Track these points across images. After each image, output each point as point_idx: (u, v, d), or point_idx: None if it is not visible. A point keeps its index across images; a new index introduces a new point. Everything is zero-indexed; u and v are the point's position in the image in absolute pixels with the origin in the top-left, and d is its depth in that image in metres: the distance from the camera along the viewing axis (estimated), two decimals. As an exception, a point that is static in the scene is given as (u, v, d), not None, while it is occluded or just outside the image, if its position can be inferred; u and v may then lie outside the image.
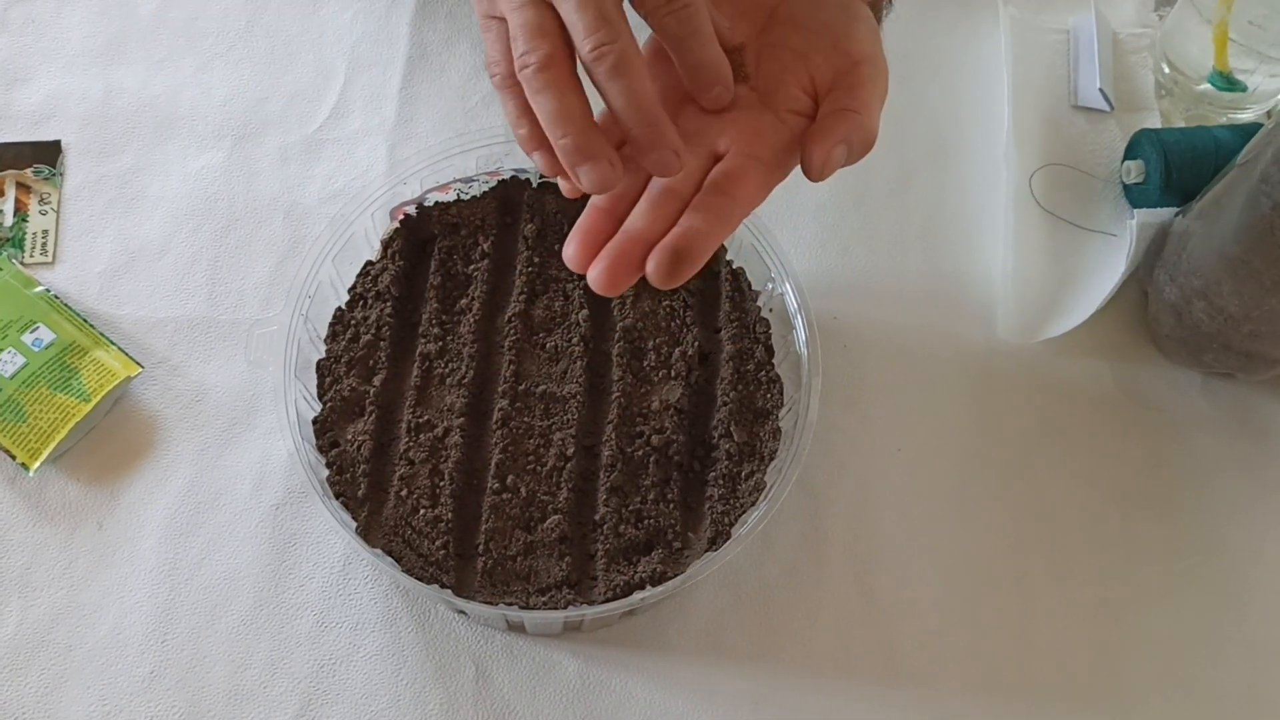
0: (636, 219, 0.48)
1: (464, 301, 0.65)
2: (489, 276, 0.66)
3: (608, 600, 0.57)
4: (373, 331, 0.64)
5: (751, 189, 0.49)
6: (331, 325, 0.65)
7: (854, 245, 0.73)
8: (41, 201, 0.73)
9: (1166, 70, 0.76)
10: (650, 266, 0.46)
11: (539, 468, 0.60)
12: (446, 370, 0.63)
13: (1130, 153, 0.73)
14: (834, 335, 0.70)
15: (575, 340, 0.64)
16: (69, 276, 0.70)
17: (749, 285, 0.67)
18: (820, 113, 0.51)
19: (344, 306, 0.65)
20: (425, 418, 0.61)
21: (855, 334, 0.70)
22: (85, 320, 0.68)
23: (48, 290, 0.69)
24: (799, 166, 0.51)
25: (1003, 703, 0.61)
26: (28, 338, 0.66)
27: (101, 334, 0.68)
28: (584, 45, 0.46)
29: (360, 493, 0.59)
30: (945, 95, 0.79)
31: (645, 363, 0.64)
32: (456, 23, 0.79)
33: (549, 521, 0.59)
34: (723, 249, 0.67)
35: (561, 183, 0.52)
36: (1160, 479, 0.67)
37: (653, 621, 0.62)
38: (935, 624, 0.63)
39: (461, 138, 0.67)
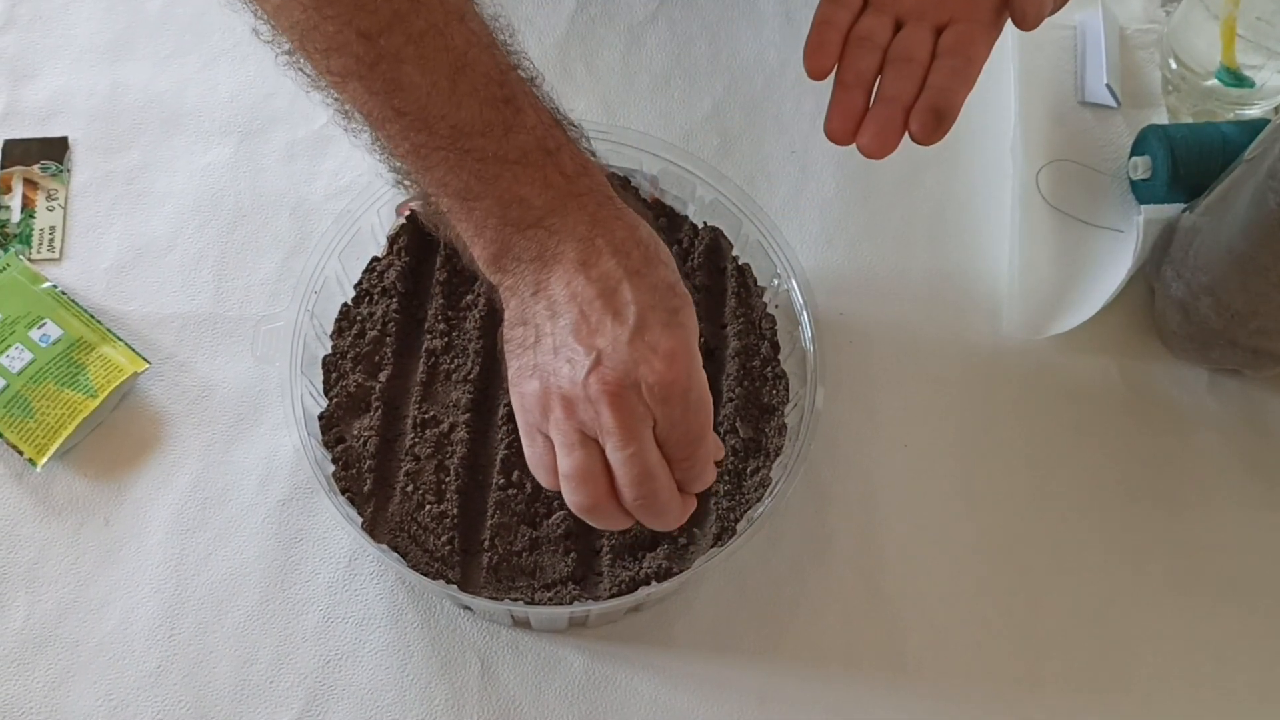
0: (889, 87, 0.56)
1: (469, 297, 0.65)
2: (494, 273, 0.66)
3: (613, 596, 0.57)
4: (379, 327, 0.64)
5: (981, 47, 0.56)
6: (338, 321, 0.65)
7: (860, 241, 0.73)
8: (49, 198, 0.73)
9: (1174, 66, 0.76)
10: (914, 126, 0.54)
11: (545, 463, 0.60)
12: (452, 366, 0.63)
13: (1137, 149, 0.73)
14: (840, 331, 0.70)
15: (581, 336, 0.64)
16: (76, 272, 0.71)
17: (755, 281, 0.67)
18: None
19: (350, 302, 0.65)
20: (431, 413, 0.61)
21: (861, 330, 0.70)
22: (92, 316, 0.68)
23: (55, 286, 0.69)
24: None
25: (1009, 697, 0.61)
26: (35, 333, 0.66)
27: (108, 330, 0.68)
28: (629, 493, 0.50)
29: (366, 488, 0.59)
30: (952, 91, 0.79)
31: (651, 359, 0.64)
32: None
33: (554, 517, 0.59)
34: (729, 244, 0.67)
35: None
36: (1166, 475, 0.67)
37: (658, 617, 0.62)
38: (941, 619, 0.63)
39: (467, 134, 0.66)
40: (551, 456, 0.51)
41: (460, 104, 0.49)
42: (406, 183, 0.53)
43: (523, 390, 0.51)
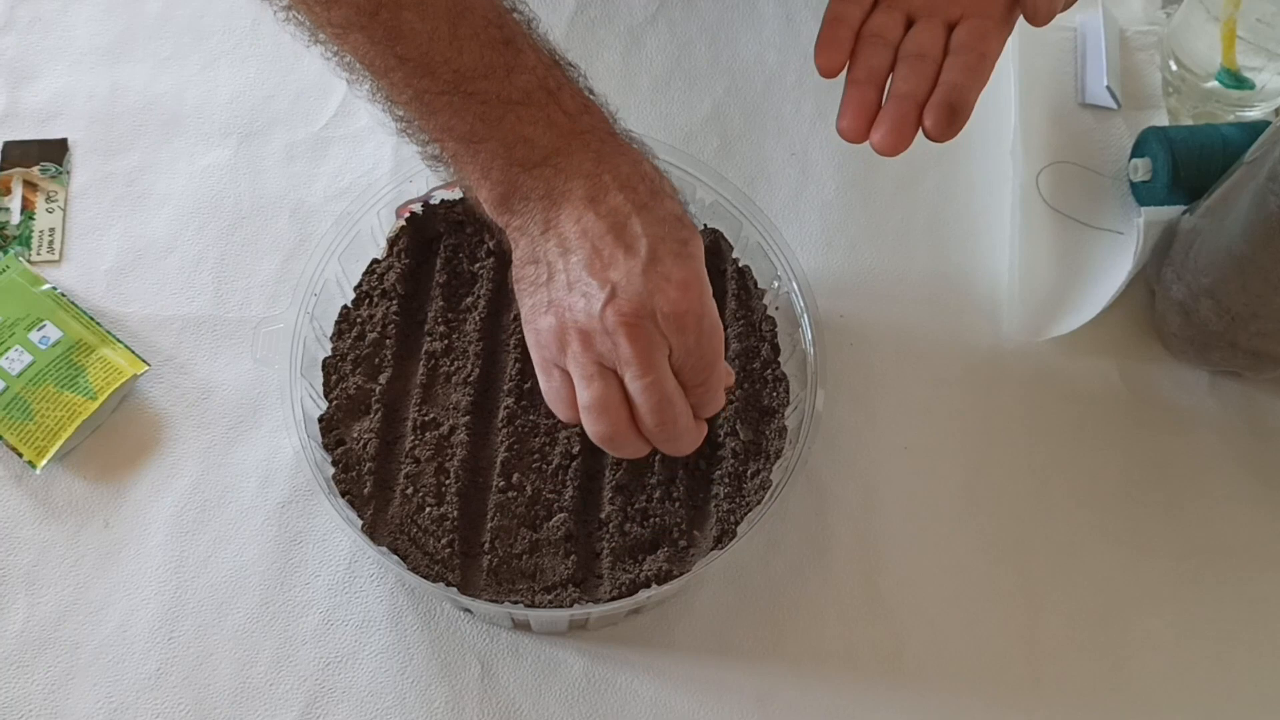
0: (902, 84, 0.55)
1: (469, 299, 0.65)
2: (495, 274, 0.66)
3: (613, 598, 0.57)
4: (378, 329, 0.64)
5: (993, 43, 0.56)
6: (337, 323, 0.65)
7: (860, 243, 0.73)
8: (48, 199, 0.73)
9: (1174, 68, 0.76)
10: (929, 122, 0.54)
11: (544, 466, 0.60)
12: (452, 368, 0.63)
13: (1137, 150, 0.73)
14: (840, 333, 0.70)
15: (581, 338, 0.64)
16: (76, 274, 0.71)
17: (755, 283, 0.67)
18: None
19: (350, 304, 0.65)
20: (431, 416, 0.61)
21: (861, 332, 0.70)
22: (92, 318, 0.68)
23: (54, 288, 0.69)
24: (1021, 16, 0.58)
25: (1008, 700, 0.61)
26: (34, 335, 0.66)
27: (108, 332, 0.68)
28: (649, 420, 0.52)
29: (366, 490, 0.59)
30: (952, 93, 0.79)
31: (651, 361, 0.64)
32: None
33: (554, 520, 0.59)
34: (729, 246, 0.67)
35: None
36: (1167, 477, 0.67)
37: (658, 620, 0.62)
38: (941, 621, 0.63)
39: (467, 136, 0.66)
40: (570, 390, 0.52)
41: (461, 48, 0.49)
42: (410, 131, 0.54)
43: (538, 326, 0.52)
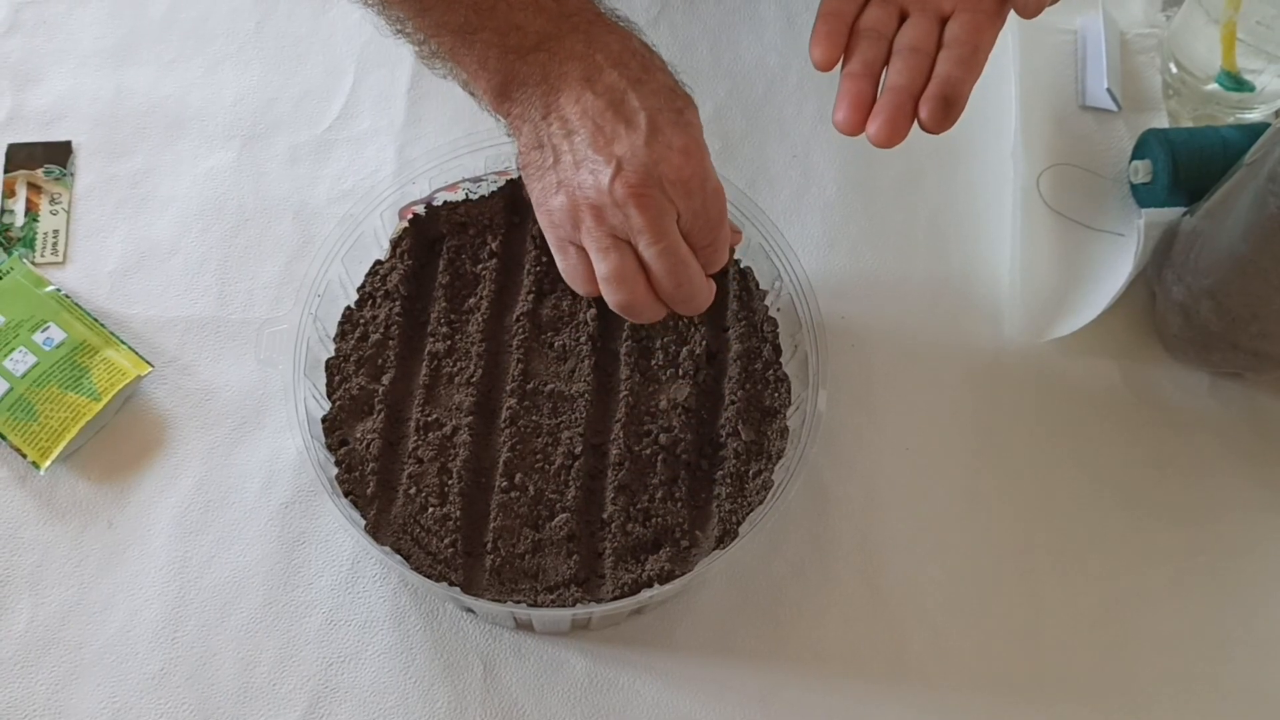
0: (897, 76, 0.56)
1: (472, 300, 0.65)
2: (497, 276, 0.66)
3: (615, 598, 0.57)
4: (381, 330, 0.64)
5: (986, 36, 0.57)
6: (340, 324, 0.65)
7: (861, 245, 0.73)
8: (52, 201, 0.73)
9: (1174, 70, 0.76)
10: (924, 113, 0.55)
11: (547, 466, 0.61)
12: (455, 369, 0.63)
13: (1138, 152, 0.73)
14: (842, 335, 0.70)
15: (583, 339, 0.64)
16: (79, 276, 0.71)
17: (756, 284, 0.67)
18: None
19: (353, 306, 0.66)
20: (434, 416, 0.62)
21: (863, 333, 0.70)
22: (96, 320, 0.68)
23: (58, 290, 0.69)
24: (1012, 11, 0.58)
25: (1010, 701, 0.61)
26: (39, 337, 0.66)
27: (112, 333, 0.68)
28: (666, 283, 0.54)
29: (369, 491, 0.59)
30: (953, 95, 0.79)
31: (653, 361, 0.64)
32: None
33: (557, 520, 0.59)
34: (730, 249, 0.67)
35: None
36: (1168, 478, 0.67)
37: (661, 620, 0.63)
38: (943, 622, 0.63)
39: (470, 138, 0.67)
40: (586, 265, 0.54)
41: None
42: (406, 30, 0.55)
43: (550, 207, 0.54)
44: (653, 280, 0.54)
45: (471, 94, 0.57)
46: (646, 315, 0.55)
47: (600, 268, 0.53)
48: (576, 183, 0.53)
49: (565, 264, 0.56)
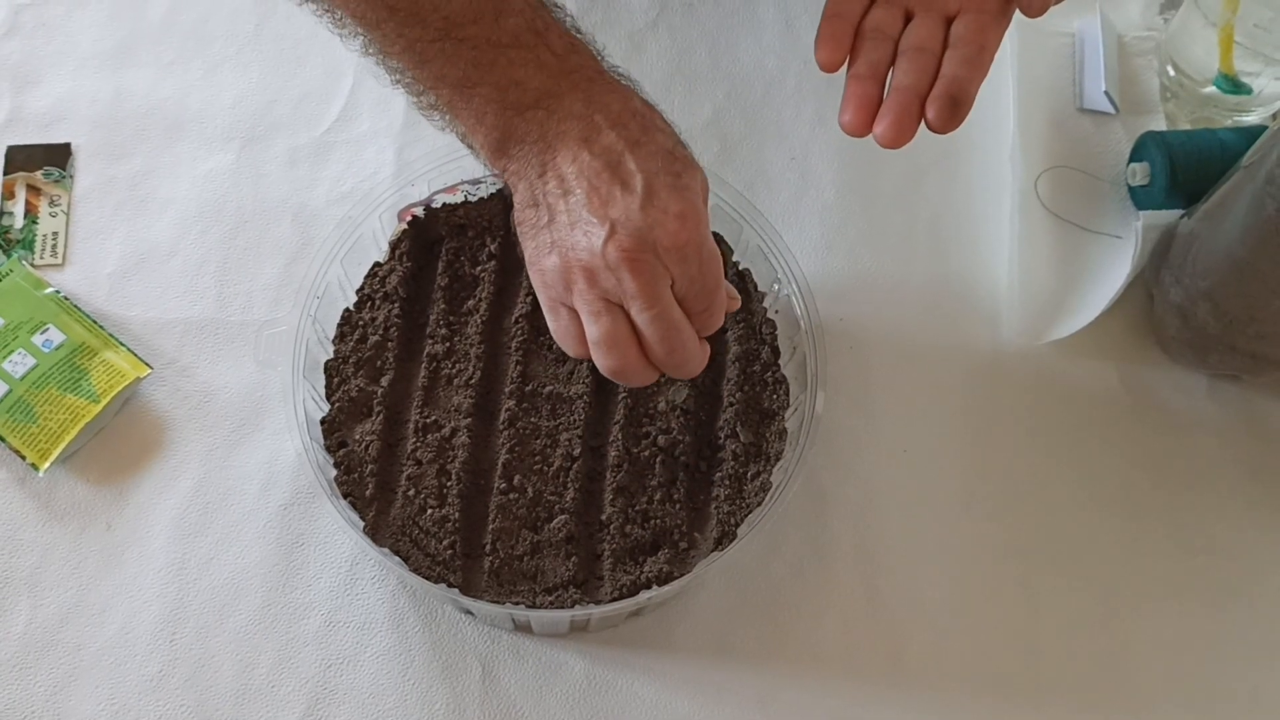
0: (904, 77, 0.56)
1: (471, 302, 0.65)
2: (496, 278, 0.66)
3: (614, 600, 0.57)
4: (380, 332, 0.64)
5: (992, 36, 0.57)
6: (339, 326, 0.65)
7: (860, 247, 0.74)
8: (52, 204, 0.73)
9: (1172, 73, 0.76)
10: (931, 114, 0.54)
11: (546, 468, 0.61)
12: (454, 371, 0.63)
13: (1136, 155, 0.73)
14: (840, 337, 0.70)
15: (582, 341, 0.64)
16: (79, 278, 0.71)
17: (755, 287, 0.67)
18: None
19: (352, 308, 0.66)
20: (433, 418, 0.62)
21: (861, 336, 0.70)
22: (95, 321, 0.68)
23: (58, 292, 0.69)
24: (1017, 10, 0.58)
25: (1008, 702, 0.61)
26: (38, 339, 0.66)
27: (111, 335, 0.68)
28: (658, 349, 0.53)
29: (368, 492, 0.59)
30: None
31: (652, 363, 0.64)
32: None
33: (555, 521, 0.59)
34: (729, 249, 0.67)
35: None
36: (1165, 480, 0.67)
37: (659, 622, 0.63)
38: (941, 624, 0.63)
39: (469, 140, 0.67)
40: (578, 327, 0.53)
41: None
42: (404, 82, 0.54)
43: (543, 267, 0.53)
44: (645, 346, 0.53)
45: (469, 147, 0.56)
46: (638, 380, 0.54)
47: (591, 331, 0.53)
48: (570, 244, 0.52)
49: (556, 325, 0.55)
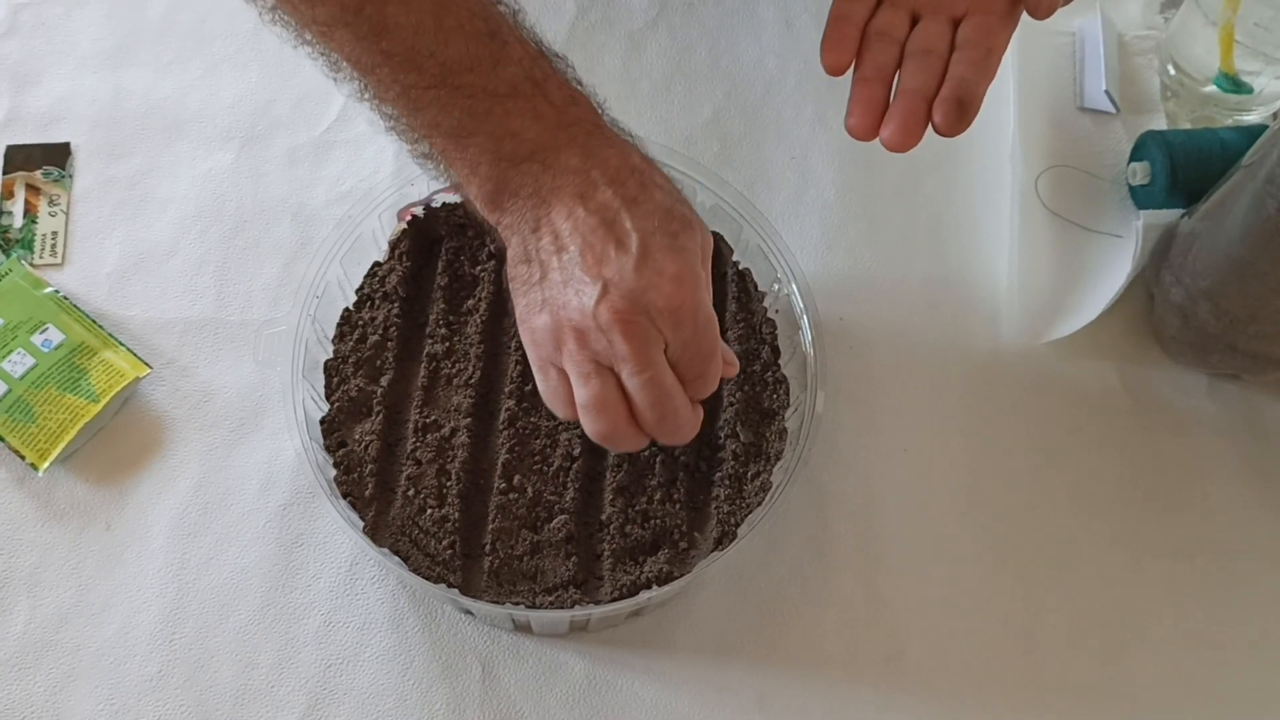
0: (910, 80, 0.56)
1: (471, 302, 0.65)
2: (496, 277, 0.66)
3: (614, 600, 0.57)
4: (380, 332, 0.64)
5: (999, 38, 0.57)
6: (339, 326, 0.65)
7: (860, 247, 0.74)
8: (51, 203, 0.73)
9: (1172, 72, 0.76)
10: (938, 117, 0.54)
11: (545, 468, 0.61)
12: (453, 371, 0.63)
13: (1136, 154, 0.73)
14: (840, 336, 0.70)
15: (582, 341, 0.64)
16: (78, 278, 0.71)
17: (755, 286, 0.67)
18: None
19: (351, 307, 0.66)
20: (432, 418, 0.62)
21: (861, 335, 0.70)
22: (94, 321, 0.68)
23: (57, 291, 0.69)
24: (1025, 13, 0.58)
25: (1008, 702, 0.61)
26: (37, 338, 0.66)
27: (110, 335, 0.68)
28: (648, 415, 0.52)
29: (367, 492, 0.59)
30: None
31: (651, 363, 0.64)
32: None
33: (555, 521, 0.59)
34: (729, 249, 0.67)
35: None
36: (1166, 480, 0.67)
37: (659, 622, 0.63)
38: (941, 623, 0.63)
39: (468, 139, 0.67)
40: (567, 388, 0.52)
41: (447, 41, 0.49)
42: (399, 129, 0.53)
43: (533, 325, 0.52)
44: (635, 410, 0.51)
45: (463, 197, 0.55)
46: (626, 446, 0.53)
47: (580, 394, 0.51)
48: (561, 302, 0.50)
49: (545, 385, 0.54)
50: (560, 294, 0.51)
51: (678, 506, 0.60)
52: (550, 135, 0.51)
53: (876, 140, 0.56)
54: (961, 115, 0.54)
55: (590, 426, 0.52)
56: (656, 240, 0.50)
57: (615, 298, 0.49)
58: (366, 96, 0.53)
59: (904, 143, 0.54)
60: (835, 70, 0.57)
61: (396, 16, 0.49)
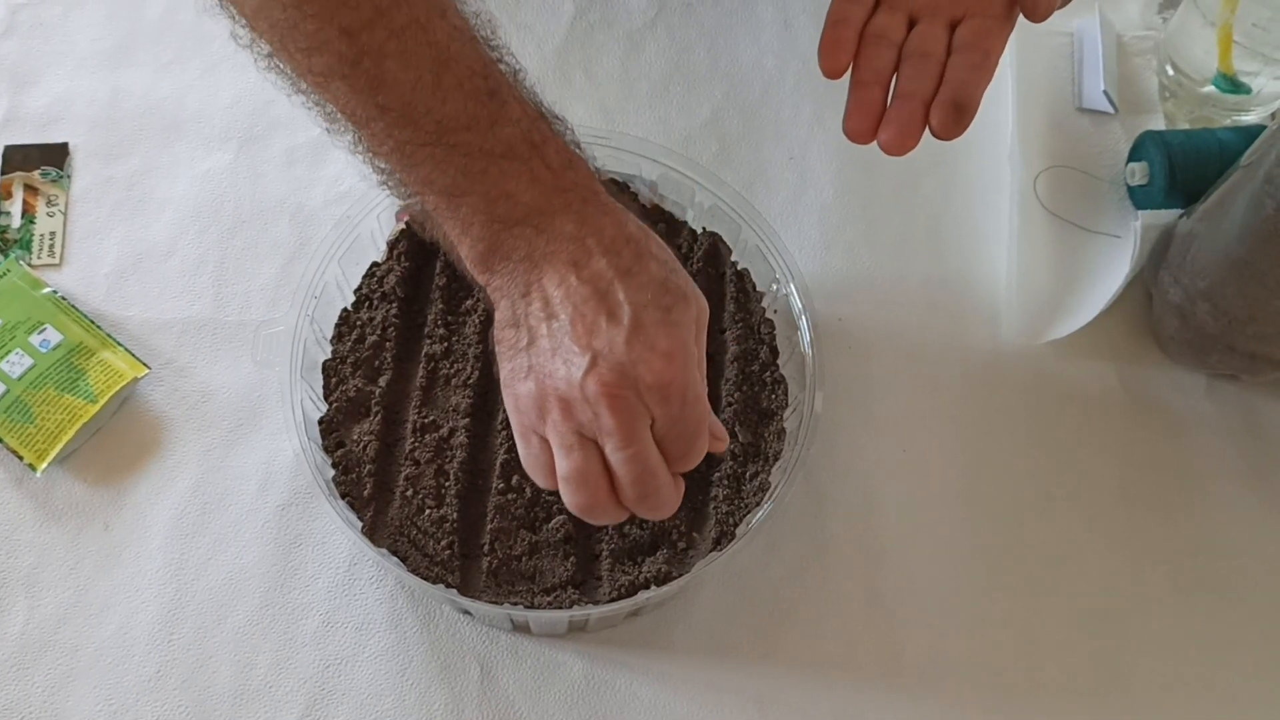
0: (908, 83, 0.56)
1: (469, 302, 0.65)
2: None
3: (612, 600, 0.57)
4: (378, 332, 0.64)
5: (996, 41, 0.57)
6: (337, 326, 0.65)
7: (859, 247, 0.74)
8: (49, 203, 0.73)
9: (1171, 73, 0.76)
10: (935, 120, 0.54)
11: (544, 468, 0.61)
12: (452, 371, 0.63)
13: (1134, 155, 0.73)
14: (839, 337, 0.70)
15: (580, 341, 0.64)
16: (76, 278, 0.71)
17: (754, 286, 0.67)
18: None
19: (350, 308, 0.66)
20: (430, 418, 0.62)
21: (860, 335, 0.70)
22: (92, 321, 0.68)
23: (55, 292, 0.69)
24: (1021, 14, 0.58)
25: (1007, 703, 0.61)
26: (35, 339, 0.66)
27: (108, 335, 0.68)
28: (629, 491, 0.50)
29: (366, 493, 0.59)
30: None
31: (650, 363, 0.64)
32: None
33: (554, 521, 0.59)
34: (728, 249, 0.67)
35: None
36: (1164, 480, 0.67)
37: (658, 622, 0.63)
38: (940, 624, 0.63)
39: (467, 139, 0.67)
40: (548, 457, 0.51)
41: (445, 98, 0.48)
42: (391, 183, 0.52)
43: (517, 392, 0.51)
44: (616, 484, 0.50)
45: (453, 256, 0.53)
46: (605, 519, 0.52)
47: (561, 465, 0.50)
48: (548, 371, 0.49)
49: (527, 453, 0.52)
50: (548, 362, 0.50)
51: (676, 507, 0.60)
52: (546, 199, 0.50)
53: (875, 143, 0.56)
54: (959, 119, 0.54)
55: (570, 499, 0.51)
56: (649, 314, 0.49)
57: (604, 370, 0.48)
58: (360, 149, 0.51)
59: (901, 146, 0.54)
60: (833, 74, 0.57)
61: (395, 71, 0.48)
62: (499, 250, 0.51)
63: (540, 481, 0.52)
